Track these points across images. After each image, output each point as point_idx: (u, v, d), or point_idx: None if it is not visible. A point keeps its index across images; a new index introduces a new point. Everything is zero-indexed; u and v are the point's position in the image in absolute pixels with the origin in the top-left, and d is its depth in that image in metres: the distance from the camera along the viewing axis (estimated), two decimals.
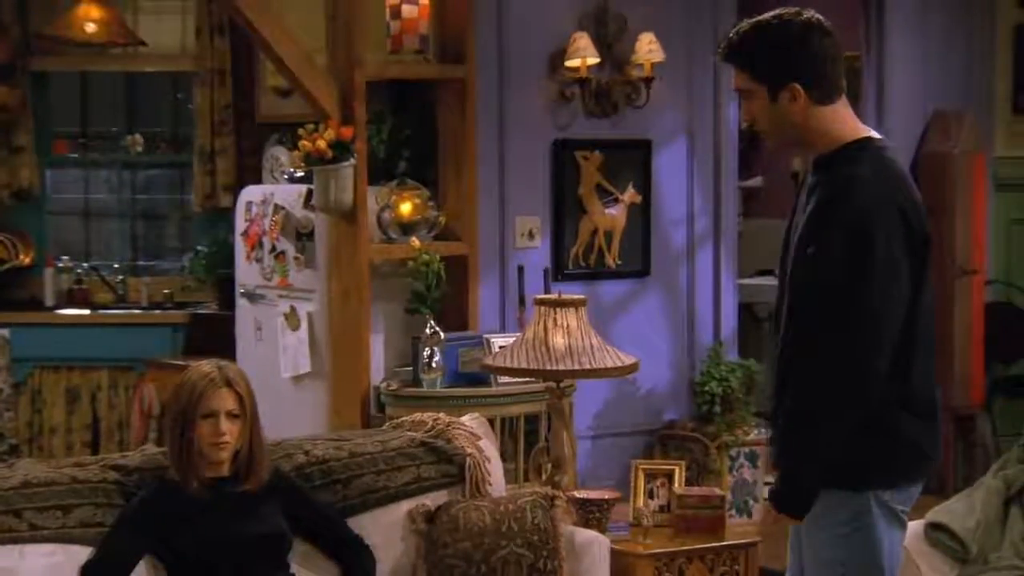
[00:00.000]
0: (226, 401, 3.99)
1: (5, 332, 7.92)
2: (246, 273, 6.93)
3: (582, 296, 5.26)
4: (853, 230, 3.25)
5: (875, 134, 3.45)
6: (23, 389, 8.01)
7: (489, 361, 5.40)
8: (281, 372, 6.57)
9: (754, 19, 3.43)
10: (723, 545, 5.15)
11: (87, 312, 8.26)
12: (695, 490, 5.41)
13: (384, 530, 4.38)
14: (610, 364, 5.11)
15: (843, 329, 3.26)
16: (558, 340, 5.08)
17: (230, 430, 3.99)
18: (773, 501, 3.41)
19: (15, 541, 3.87)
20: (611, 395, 6.96)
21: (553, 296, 5.26)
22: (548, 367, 5.05)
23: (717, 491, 5.39)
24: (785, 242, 3.53)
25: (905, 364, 3.33)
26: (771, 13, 3.41)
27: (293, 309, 6.58)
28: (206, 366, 4.05)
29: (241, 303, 6.98)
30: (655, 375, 6.98)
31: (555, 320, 5.11)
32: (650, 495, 5.31)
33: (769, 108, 3.39)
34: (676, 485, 5.29)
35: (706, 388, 6.92)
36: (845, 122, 3.41)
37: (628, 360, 5.19)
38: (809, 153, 3.48)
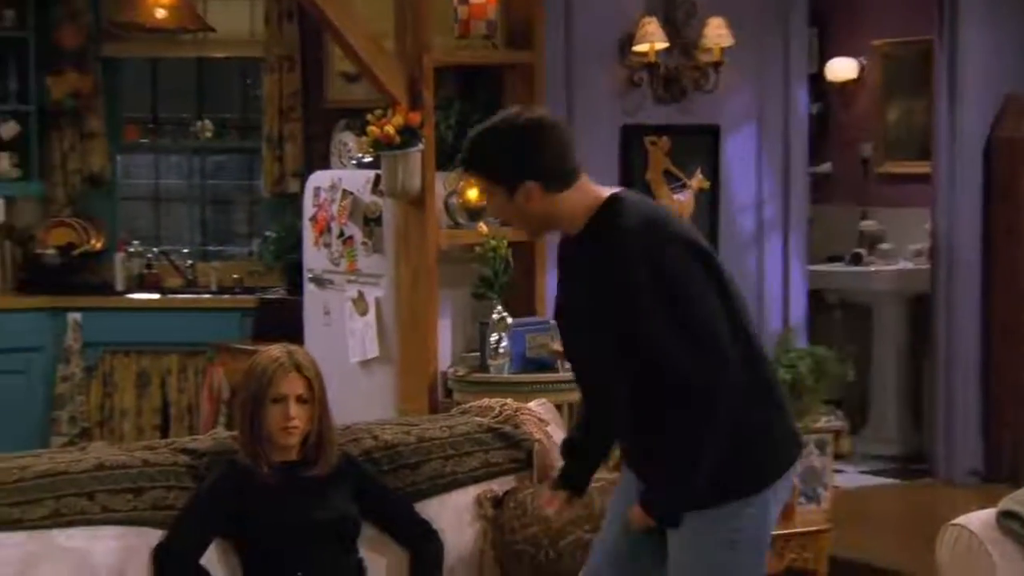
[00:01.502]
0: (295, 386, 4.01)
1: (77, 316, 8.02)
2: (314, 258, 6.96)
3: None
4: (641, 267, 3.37)
5: (616, 190, 3.56)
6: (94, 373, 8.10)
7: (557, 346, 5.41)
8: (349, 357, 6.60)
9: (483, 125, 3.61)
10: (792, 532, 5.14)
11: (157, 296, 8.34)
12: None
13: (452, 515, 4.38)
14: None
15: (687, 352, 3.36)
16: None
17: (299, 414, 4.01)
18: (653, 513, 3.54)
19: (88, 523, 3.90)
20: None
21: None
22: None
23: None
24: (564, 318, 3.64)
25: (749, 361, 3.46)
26: (499, 116, 3.59)
27: (361, 294, 6.61)
28: (275, 351, 4.07)
29: (309, 288, 7.01)
30: None
31: None
32: None
33: (510, 206, 3.54)
34: None
35: None
36: (587, 195, 3.53)
37: None
38: (565, 231, 3.59)
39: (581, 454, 3.82)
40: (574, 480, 3.83)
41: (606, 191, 3.55)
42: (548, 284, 6.54)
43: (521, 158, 3.50)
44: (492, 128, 3.57)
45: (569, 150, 3.54)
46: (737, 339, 3.45)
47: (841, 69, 8.92)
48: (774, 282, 7.20)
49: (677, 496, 3.50)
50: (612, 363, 3.49)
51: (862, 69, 8.92)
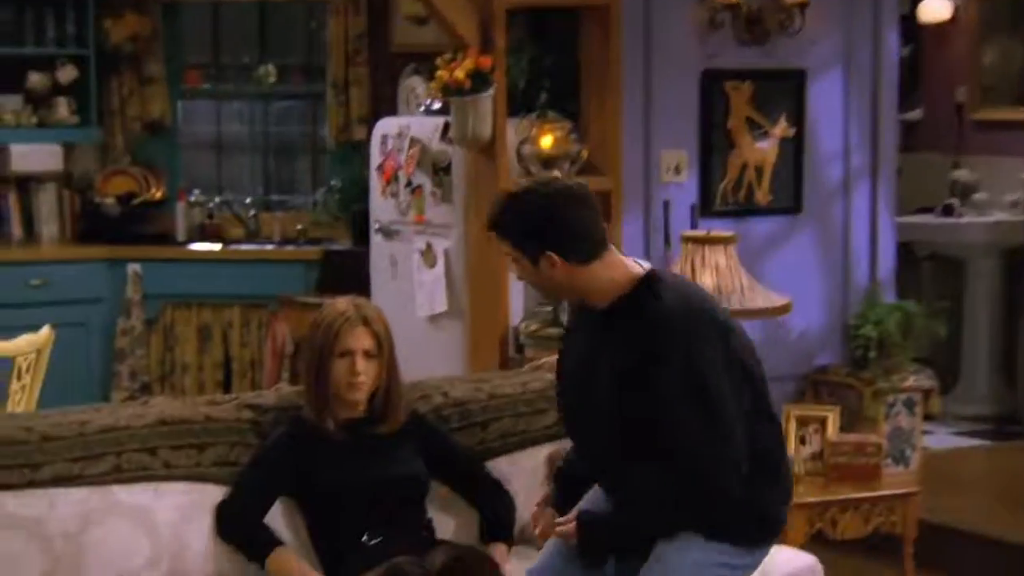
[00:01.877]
0: (362, 340, 4.04)
1: (137, 267, 8.09)
2: (381, 208, 6.98)
3: (731, 233, 5.23)
4: (684, 366, 3.51)
5: (649, 267, 3.70)
6: (155, 326, 8.16)
7: None
8: (417, 311, 6.62)
9: (511, 190, 3.75)
10: (879, 495, 5.12)
11: (219, 248, 8.39)
12: (850, 437, 5.37)
13: (523, 474, 4.41)
14: (760, 305, 5.09)
15: (700, 439, 3.51)
16: (706, 279, 5.07)
17: (366, 370, 4.03)
18: (582, 535, 3.69)
19: (150, 479, 3.97)
20: (761, 337, 6.86)
21: (701, 233, 5.24)
22: None
23: (873, 438, 5.35)
24: (575, 381, 3.77)
25: (768, 436, 3.69)
26: (526, 184, 3.75)
27: (429, 246, 6.63)
28: (342, 303, 4.10)
29: (376, 239, 7.04)
30: (807, 317, 6.92)
31: (703, 258, 5.09)
32: (802, 441, 5.29)
33: (534, 272, 3.69)
34: (829, 432, 5.27)
35: (861, 332, 6.85)
36: (615, 269, 3.68)
37: (779, 301, 5.16)
38: (591, 302, 3.70)
39: (570, 486, 3.95)
40: (561, 507, 3.96)
41: (637, 268, 3.69)
42: (627, 234, 6.52)
43: (543, 229, 3.65)
44: (519, 195, 3.71)
45: (596, 224, 3.68)
46: (759, 418, 3.64)
47: (934, 9, 8.81)
48: (861, 234, 7.14)
49: (615, 537, 3.71)
50: (620, 436, 3.62)
51: (956, 9, 8.81)
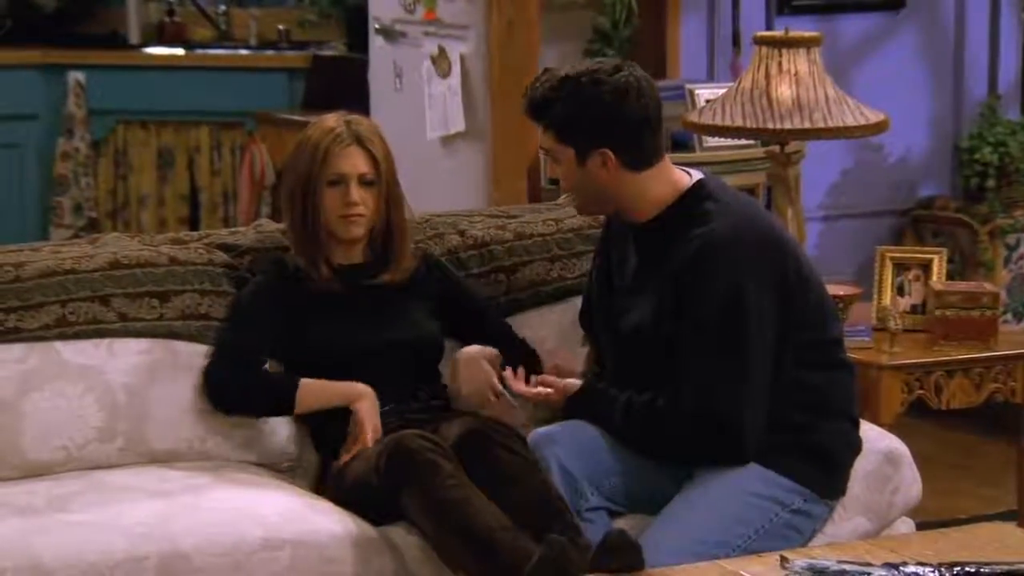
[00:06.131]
0: (357, 163, 4.05)
1: (80, 76, 8.08)
2: (383, 3, 6.97)
3: (816, 34, 5.23)
4: (727, 299, 3.73)
5: (696, 174, 3.89)
6: (103, 149, 8.19)
7: (693, 118, 5.41)
8: (427, 132, 6.64)
9: (564, 71, 3.84)
10: (995, 356, 5.15)
11: (181, 52, 8.38)
12: (959, 285, 5.39)
13: (559, 333, 4.43)
14: (850, 122, 5.09)
15: (720, 378, 3.75)
16: (783, 91, 5.07)
17: (363, 199, 4.05)
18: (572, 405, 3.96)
19: (102, 334, 4.01)
20: (851, 163, 6.93)
21: (778, 34, 5.23)
22: (769, 125, 5.05)
23: (988, 287, 5.37)
24: (617, 297, 3.98)
25: (834, 367, 3.96)
26: (585, 66, 3.85)
27: (442, 50, 6.62)
28: (331, 120, 4.11)
29: (376, 43, 7.04)
30: (909, 138, 6.93)
31: (780, 65, 5.09)
32: (900, 291, 5.32)
33: (576, 172, 3.86)
34: (934, 279, 5.29)
35: (976, 156, 6.85)
36: (665, 181, 3.87)
37: (874, 117, 5.16)
38: (627, 216, 3.90)
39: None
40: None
41: (687, 178, 3.87)
42: (686, 35, 6.52)
43: (604, 122, 3.78)
44: (574, 79, 3.80)
45: (659, 126, 3.85)
46: (822, 362, 3.88)
47: None
48: (977, 37, 7.12)
49: (606, 420, 3.89)
50: (660, 361, 3.82)
51: None
